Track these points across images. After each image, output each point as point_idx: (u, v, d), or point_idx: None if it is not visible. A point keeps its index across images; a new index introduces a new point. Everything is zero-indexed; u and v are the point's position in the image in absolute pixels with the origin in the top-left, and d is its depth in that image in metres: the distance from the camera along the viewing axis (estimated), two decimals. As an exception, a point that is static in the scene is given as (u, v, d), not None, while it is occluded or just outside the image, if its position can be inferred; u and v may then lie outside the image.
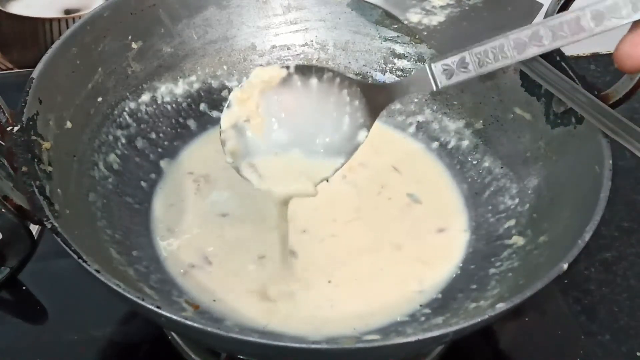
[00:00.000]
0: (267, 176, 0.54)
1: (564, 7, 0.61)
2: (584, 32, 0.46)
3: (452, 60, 0.50)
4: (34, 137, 0.52)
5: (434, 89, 0.50)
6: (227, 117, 0.52)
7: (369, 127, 0.52)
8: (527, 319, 0.61)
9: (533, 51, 0.47)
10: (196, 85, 0.69)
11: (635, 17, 0.45)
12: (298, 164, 0.53)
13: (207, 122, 0.69)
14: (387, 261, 0.59)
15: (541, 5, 0.63)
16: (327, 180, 0.54)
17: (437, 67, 0.50)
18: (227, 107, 0.52)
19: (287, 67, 0.53)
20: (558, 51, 0.60)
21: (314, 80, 0.53)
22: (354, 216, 0.62)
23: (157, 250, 0.58)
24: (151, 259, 0.57)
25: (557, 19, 0.47)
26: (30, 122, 0.52)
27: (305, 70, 0.53)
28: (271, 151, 0.53)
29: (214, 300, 0.55)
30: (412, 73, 0.51)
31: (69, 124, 0.57)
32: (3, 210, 0.48)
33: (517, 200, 0.61)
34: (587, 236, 0.48)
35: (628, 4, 0.44)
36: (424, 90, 0.51)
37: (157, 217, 0.61)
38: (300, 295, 0.56)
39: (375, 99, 0.52)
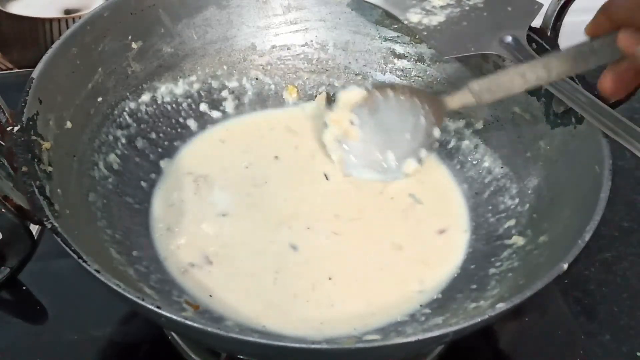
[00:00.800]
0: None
1: (564, 7, 0.62)
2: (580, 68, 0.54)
3: (485, 84, 0.58)
4: (34, 137, 0.52)
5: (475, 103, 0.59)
6: (327, 136, 0.65)
7: (439, 125, 0.63)
8: (527, 319, 0.61)
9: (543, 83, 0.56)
10: (196, 85, 0.69)
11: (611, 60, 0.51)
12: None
13: (207, 122, 0.69)
14: (388, 261, 0.59)
15: (541, 5, 0.63)
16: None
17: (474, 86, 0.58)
18: (325, 127, 0.65)
19: (367, 89, 0.65)
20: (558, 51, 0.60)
21: (390, 93, 0.63)
22: (356, 216, 0.62)
23: (157, 250, 0.58)
24: (151, 259, 0.57)
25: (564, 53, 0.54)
26: (30, 122, 0.52)
27: (381, 87, 0.63)
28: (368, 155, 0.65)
29: (210, 296, 0.55)
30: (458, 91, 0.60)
31: (69, 124, 0.57)
32: (3, 210, 0.48)
33: (517, 200, 0.61)
34: (587, 236, 0.48)
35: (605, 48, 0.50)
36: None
37: (157, 217, 0.61)
38: (300, 295, 0.56)
39: (439, 104, 0.62)
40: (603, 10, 0.50)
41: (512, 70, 0.56)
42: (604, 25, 0.50)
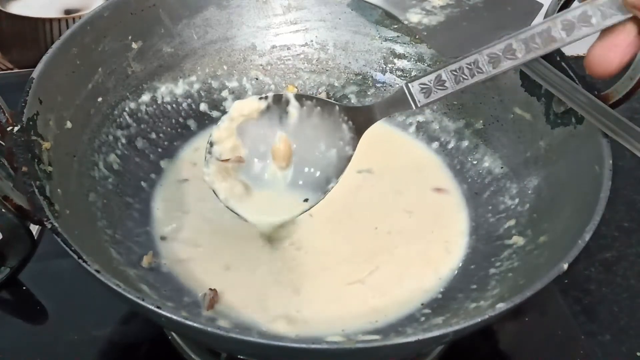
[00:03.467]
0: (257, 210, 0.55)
1: (564, 7, 0.62)
2: (555, 43, 0.47)
3: (428, 79, 0.50)
4: (34, 137, 0.52)
5: (413, 108, 0.51)
6: (210, 161, 0.55)
7: (353, 148, 0.53)
8: (527, 319, 0.61)
9: (507, 64, 0.49)
10: (196, 86, 0.69)
11: (605, 25, 0.46)
12: (284, 195, 0.56)
13: (207, 122, 0.69)
14: (388, 261, 0.59)
15: (541, 5, 0.63)
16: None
17: (415, 86, 0.50)
18: (209, 145, 0.54)
19: (266, 97, 0.54)
20: (558, 51, 0.60)
21: (293, 110, 0.54)
22: (355, 215, 0.62)
23: (157, 250, 0.58)
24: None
25: (529, 31, 0.47)
26: (30, 122, 0.52)
27: (282, 99, 0.54)
28: (258, 186, 0.56)
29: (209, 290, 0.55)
30: (391, 93, 0.52)
31: (69, 124, 0.57)
32: (3, 210, 0.48)
33: (517, 200, 0.61)
34: (587, 236, 0.48)
35: (597, 12, 0.45)
36: (404, 109, 0.52)
37: (157, 217, 0.61)
38: (300, 294, 0.56)
39: (357, 120, 0.53)
40: None
41: (463, 61, 0.50)
42: None
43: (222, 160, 0.54)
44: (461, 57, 0.49)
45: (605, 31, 0.46)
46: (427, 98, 0.50)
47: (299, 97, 0.54)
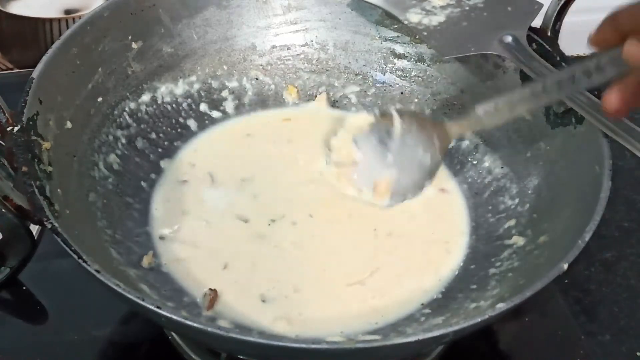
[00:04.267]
0: None
1: (564, 7, 0.62)
2: (579, 85, 0.51)
3: (490, 107, 0.57)
4: (34, 137, 0.52)
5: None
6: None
7: (443, 154, 0.62)
8: (527, 319, 0.61)
9: (543, 101, 0.56)
10: (196, 86, 0.69)
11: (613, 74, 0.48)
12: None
13: (207, 122, 0.69)
14: (387, 261, 0.59)
15: (541, 5, 0.63)
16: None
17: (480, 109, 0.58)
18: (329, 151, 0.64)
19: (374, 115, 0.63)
20: (558, 51, 0.60)
21: (397, 122, 0.61)
22: (355, 216, 0.62)
23: (157, 250, 0.58)
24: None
25: (561, 74, 0.52)
26: (30, 122, 0.52)
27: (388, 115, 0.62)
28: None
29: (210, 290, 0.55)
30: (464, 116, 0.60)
31: (69, 124, 0.57)
32: (3, 210, 0.48)
33: (517, 200, 0.61)
34: (587, 236, 0.48)
35: (610, 64, 0.48)
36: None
37: (157, 217, 0.61)
38: (300, 295, 0.56)
39: (444, 132, 0.61)
40: (609, 20, 0.47)
41: (518, 92, 0.55)
42: (609, 36, 0.47)
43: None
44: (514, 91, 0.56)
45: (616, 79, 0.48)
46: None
47: (400, 112, 0.62)
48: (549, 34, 0.63)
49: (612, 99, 0.48)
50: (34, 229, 0.53)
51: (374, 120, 0.63)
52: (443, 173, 0.66)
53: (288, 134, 0.69)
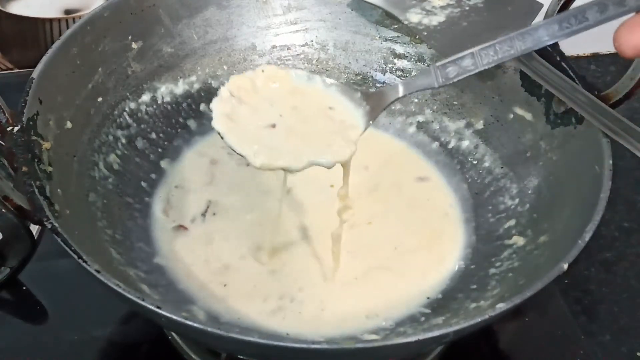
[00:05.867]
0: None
1: (564, 7, 0.61)
2: (588, 22, 0.48)
3: (454, 59, 0.52)
4: (34, 137, 0.52)
5: (436, 86, 0.52)
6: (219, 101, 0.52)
7: (373, 118, 0.53)
8: (527, 319, 0.61)
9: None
10: (196, 86, 0.69)
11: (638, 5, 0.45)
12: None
13: (207, 122, 0.68)
14: (387, 261, 0.59)
15: (541, 5, 0.63)
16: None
17: (440, 66, 0.52)
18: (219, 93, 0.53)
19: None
20: (558, 51, 0.60)
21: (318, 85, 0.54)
22: (356, 217, 0.62)
23: (157, 250, 0.58)
24: (151, 259, 0.57)
25: (564, 14, 0.48)
26: (31, 122, 0.52)
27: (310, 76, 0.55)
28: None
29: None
30: (418, 73, 0.56)
31: (69, 124, 0.57)
32: (3, 210, 0.48)
33: (517, 200, 0.61)
34: (587, 236, 0.48)
35: None
36: (427, 88, 0.53)
37: (157, 217, 0.61)
38: (300, 295, 0.56)
39: (380, 99, 0.54)
40: None
41: (492, 42, 0.52)
42: None
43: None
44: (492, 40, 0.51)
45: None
46: (448, 79, 0.52)
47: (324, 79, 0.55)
48: (549, 34, 0.63)
49: (630, 27, 0.44)
50: (34, 229, 0.53)
51: (293, 80, 0.54)
52: (443, 173, 0.66)
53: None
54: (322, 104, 0.54)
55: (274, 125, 0.52)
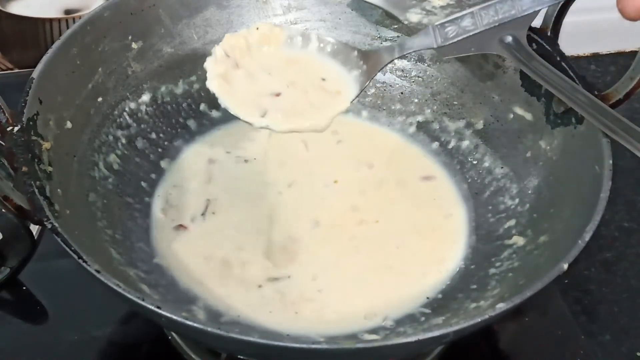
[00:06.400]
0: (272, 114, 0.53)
1: (564, 7, 0.62)
2: None
3: (451, 19, 0.52)
4: (34, 137, 0.52)
5: (435, 46, 0.53)
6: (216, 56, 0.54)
7: (369, 79, 0.53)
8: (527, 319, 0.61)
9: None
10: (196, 86, 0.69)
11: None
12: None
13: (207, 122, 0.68)
14: (388, 261, 0.59)
15: (541, 5, 0.63)
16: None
17: (440, 26, 0.53)
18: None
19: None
20: (558, 51, 0.60)
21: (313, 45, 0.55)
22: (356, 215, 0.62)
23: (157, 250, 0.58)
24: (151, 258, 0.57)
25: None
26: (31, 122, 0.52)
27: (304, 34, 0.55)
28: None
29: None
30: (418, 33, 0.54)
31: (69, 124, 0.57)
32: (3, 210, 0.48)
33: (517, 200, 0.61)
34: (587, 236, 0.48)
35: None
36: (426, 47, 0.53)
37: (157, 217, 0.61)
38: (300, 295, 0.56)
39: (377, 59, 0.54)
40: None
41: (491, 2, 0.51)
42: None
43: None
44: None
45: None
46: (448, 39, 0.52)
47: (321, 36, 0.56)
48: (549, 34, 0.63)
49: None
50: (34, 229, 0.53)
51: (286, 38, 0.56)
52: (443, 173, 0.66)
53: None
54: (316, 75, 0.54)
55: (269, 94, 0.53)
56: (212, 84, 0.52)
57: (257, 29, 0.54)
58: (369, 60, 0.53)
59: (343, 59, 0.55)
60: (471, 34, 0.51)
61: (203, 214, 0.61)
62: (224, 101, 0.51)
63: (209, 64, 0.53)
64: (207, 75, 0.53)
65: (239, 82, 0.53)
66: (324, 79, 0.54)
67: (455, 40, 0.52)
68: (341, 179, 0.65)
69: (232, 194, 0.63)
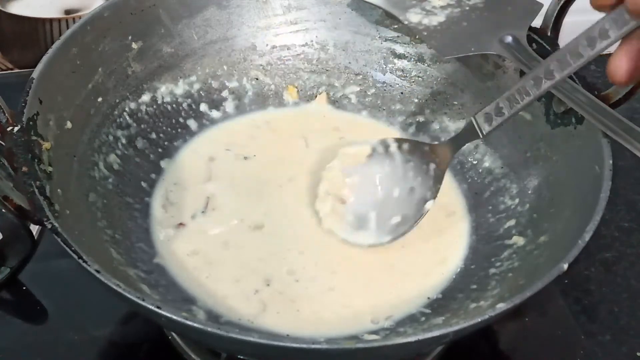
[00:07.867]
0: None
1: (564, 7, 0.62)
2: (582, 59, 0.49)
3: (490, 109, 0.55)
4: (34, 137, 0.52)
5: (481, 137, 0.56)
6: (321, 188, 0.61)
7: (435, 194, 0.59)
8: (527, 319, 0.61)
9: (547, 85, 0.52)
10: (196, 86, 0.69)
11: (622, 34, 0.46)
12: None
13: (207, 122, 0.69)
14: (387, 261, 0.59)
15: (541, 5, 0.63)
16: None
17: (480, 117, 0.56)
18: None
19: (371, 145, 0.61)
20: (558, 51, 0.60)
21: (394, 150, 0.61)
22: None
23: (157, 250, 0.58)
24: (151, 259, 0.57)
25: (562, 51, 0.50)
26: (31, 122, 0.52)
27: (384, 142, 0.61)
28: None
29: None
30: (463, 127, 0.58)
31: (69, 124, 0.57)
32: (3, 210, 0.48)
33: (517, 201, 0.61)
34: (587, 236, 0.48)
35: (612, 24, 0.46)
36: (472, 140, 0.58)
37: (157, 217, 0.61)
38: (300, 295, 0.56)
39: (440, 158, 0.59)
40: None
41: (519, 84, 0.53)
42: None
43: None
44: (512, 86, 0.54)
45: (623, 40, 0.47)
46: (490, 126, 0.55)
47: (399, 140, 0.61)
48: (549, 34, 0.63)
49: (618, 62, 0.46)
50: (34, 229, 0.53)
51: (369, 152, 0.61)
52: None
53: (288, 132, 0.69)
54: (404, 186, 0.60)
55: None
56: (327, 223, 0.60)
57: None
58: (438, 154, 0.60)
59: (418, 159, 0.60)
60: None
61: (203, 211, 0.61)
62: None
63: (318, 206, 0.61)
64: (320, 216, 0.60)
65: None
66: (412, 189, 0.60)
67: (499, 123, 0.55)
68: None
69: (232, 191, 0.63)
